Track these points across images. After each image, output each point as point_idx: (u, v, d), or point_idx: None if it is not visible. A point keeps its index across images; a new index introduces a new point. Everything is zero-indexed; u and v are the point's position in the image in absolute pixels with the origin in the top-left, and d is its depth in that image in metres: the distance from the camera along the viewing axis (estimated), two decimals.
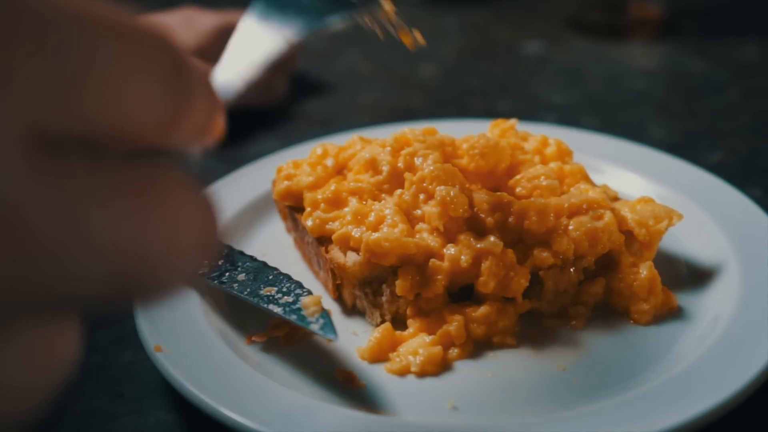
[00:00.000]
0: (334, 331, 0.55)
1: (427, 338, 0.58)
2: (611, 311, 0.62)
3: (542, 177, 0.64)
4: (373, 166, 0.66)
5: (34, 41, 0.22)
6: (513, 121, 0.73)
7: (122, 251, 0.23)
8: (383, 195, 0.64)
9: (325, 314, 0.56)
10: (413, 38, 0.56)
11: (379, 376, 0.57)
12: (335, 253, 0.62)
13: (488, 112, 0.98)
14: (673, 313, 0.61)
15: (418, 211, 0.62)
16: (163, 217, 0.25)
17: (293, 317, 0.56)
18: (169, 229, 0.25)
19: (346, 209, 0.63)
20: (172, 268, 0.25)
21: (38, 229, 0.21)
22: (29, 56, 0.22)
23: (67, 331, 0.26)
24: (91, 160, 0.23)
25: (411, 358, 0.57)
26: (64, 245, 0.22)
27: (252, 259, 0.64)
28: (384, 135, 0.71)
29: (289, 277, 0.61)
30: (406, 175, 0.64)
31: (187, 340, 0.57)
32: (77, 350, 0.26)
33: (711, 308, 0.61)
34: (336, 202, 0.64)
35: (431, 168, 0.62)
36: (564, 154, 0.70)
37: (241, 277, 0.61)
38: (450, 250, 0.59)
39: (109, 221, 0.23)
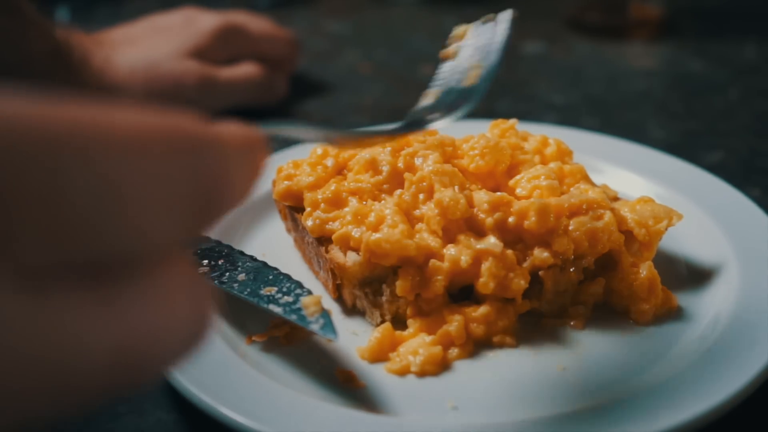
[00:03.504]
0: (334, 331, 0.55)
1: (427, 338, 0.58)
2: (611, 311, 0.62)
3: (542, 177, 0.64)
4: (373, 166, 0.66)
5: (28, 182, 0.21)
6: (513, 121, 0.73)
7: (105, 351, 0.23)
8: (383, 195, 0.64)
9: (325, 314, 0.56)
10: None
11: (379, 376, 0.57)
12: (335, 253, 0.62)
13: (488, 112, 0.98)
14: (672, 313, 0.61)
15: (418, 211, 0.62)
16: (146, 312, 0.25)
17: (293, 317, 0.56)
18: (153, 323, 0.25)
19: (346, 209, 0.63)
20: (159, 357, 0.25)
21: (17, 345, 0.22)
22: (22, 202, 0.21)
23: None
24: (72, 271, 0.23)
25: (411, 358, 0.57)
26: (45, 357, 0.22)
27: (252, 259, 0.64)
28: None
29: (289, 277, 0.61)
30: (406, 175, 0.64)
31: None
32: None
33: (711, 308, 0.61)
34: (336, 202, 0.64)
35: (431, 168, 0.63)
36: (564, 154, 0.70)
37: (241, 277, 0.62)
38: (450, 250, 0.59)
39: (88, 328, 0.23)
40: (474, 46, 0.56)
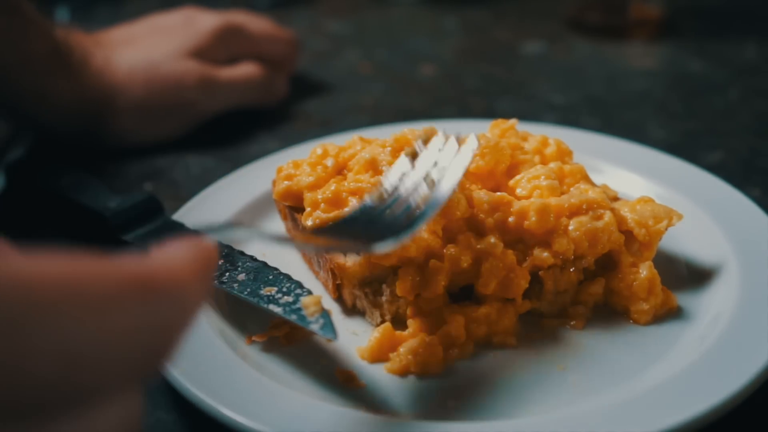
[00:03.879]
0: (334, 331, 0.55)
1: (427, 338, 0.58)
2: (611, 311, 0.62)
3: (542, 177, 0.64)
4: (373, 166, 0.66)
5: None
6: (513, 121, 0.73)
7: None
8: None
9: (325, 314, 0.56)
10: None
11: (379, 376, 0.57)
12: None
13: (488, 112, 0.98)
14: (672, 313, 0.61)
15: None
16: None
17: (293, 317, 0.56)
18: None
19: (346, 209, 0.63)
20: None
21: None
22: None
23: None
24: None
25: (411, 358, 0.57)
26: None
27: (252, 259, 0.64)
28: (384, 135, 0.71)
29: (289, 277, 0.61)
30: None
31: (186, 340, 0.56)
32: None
33: (711, 308, 0.61)
34: (336, 202, 0.64)
35: None
36: (564, 154, 0.70)
37: (241, 277, 0.61)
38: (450, 250, 0.59)
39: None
40: (434, 159, 0.58)
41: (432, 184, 0.56)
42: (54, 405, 0.27)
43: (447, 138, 0.59)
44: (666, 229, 0.63)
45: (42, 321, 0.26)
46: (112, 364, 0.28)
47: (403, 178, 0.57)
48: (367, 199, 0.56)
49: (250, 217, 0.74)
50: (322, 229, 0.58)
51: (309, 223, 0.64)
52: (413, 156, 0.59)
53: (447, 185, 0.55)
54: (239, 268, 0.63)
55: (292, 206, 0.68)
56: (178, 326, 0.32)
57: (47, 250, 0.28)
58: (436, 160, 0.58)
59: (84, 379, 0.28)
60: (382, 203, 0.56)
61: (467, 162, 0.57)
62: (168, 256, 0.31)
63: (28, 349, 0.26)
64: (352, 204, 0.62)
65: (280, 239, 0.50)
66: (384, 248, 0.51)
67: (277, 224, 0.73)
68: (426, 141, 0.60)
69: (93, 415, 0.29)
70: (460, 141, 0.59)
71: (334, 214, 0.62)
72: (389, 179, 0.58)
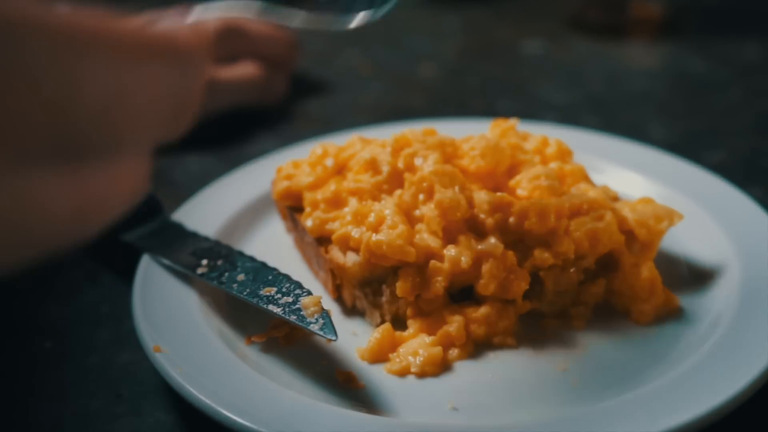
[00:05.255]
0: (333, 331, 0.55)
1: (427, 339, 0.58)
2: (612, 311, 0.62)
3: (543, 177, 0.64)
4: (373, 166, 0.65)
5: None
6: (513, 121, 0.73)
7: (66, 208, 0.31)
8: (383, 195, 0.64)
9: (324, 314, 0.56)
10: None
11: (379, 376, 0.57)
12: (335, 253, 0.62)
13: (488, 112, 0.98)
14: (674, 314, 0.61)
15: (418, 212, 0.62)
16: (99, 184, 0.32)
17: (293, 317, 0.56)
18: (104, 191, 0.33)
19: (346, 209, 0.63)
20: (106, 213, 0.34)
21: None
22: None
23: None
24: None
25: (411, 358, 0.57)
26: (11, 214, 0.29)
27: (252, 259, 0.64)
28: (384, 135, 0.71)
29: (288, 277, 0.61)
30: (406, 175, 0.64)
31: (186, 340, 0.56)
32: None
33: (712, 308, 0.61)
34: (336, 203, 0.64)
35: (431, 168, 0.62)
36: (564, 154, 0.70)
37: (241, 277, 0.61)
38: (450, 251, 0.59)
39: (53, 193, 0.30)
40: None
41: None
42: (89, 147, 0.31)
43: None
44: (667, 229, 0.63)
45: (88, 60, 0.29)
46: (144, 114, 0.32)
47: None
48: None
49: (250, 216, 0.73)
50: None
51: (309, 223, 0.64)
52: None
53: None
54: (238, 269, 0.62)
55: (292, 206, 0.68)
56: (195, 89, 0.35)
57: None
58: None
59: (120, 122, 0.31)
60: None
61: None
62: (177, 28, 0.35)
63: (77, 84, 0.29)
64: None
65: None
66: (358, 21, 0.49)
67: (277, 224, 0.73)
68: None
69: (116, 167, 0.33)
70: None
71: None
72: None
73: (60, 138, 0.29)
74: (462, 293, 0.61)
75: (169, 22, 0.36)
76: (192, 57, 0.34)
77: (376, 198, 0.64)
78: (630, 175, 0.76)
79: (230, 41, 0.96)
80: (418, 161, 0.64)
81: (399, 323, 0.61)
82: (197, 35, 0.35)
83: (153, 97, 0.32)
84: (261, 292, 0.59)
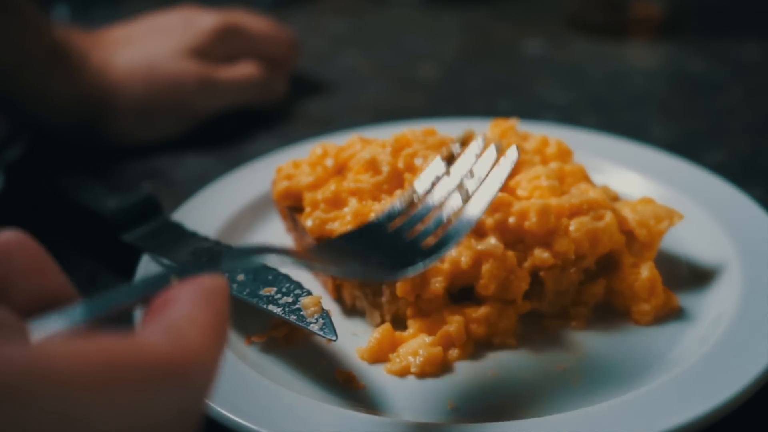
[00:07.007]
0: (333, 331, 0.55)
1: (427, 339, 0.58)
2: (612, 312, 0.62)
3: (543, 177, 0.64)
4: (373, 166, 0.65)
5: None
6: (513, 121, 0.73)
7: None
8: (383, 195, 0.64)
9: (324, 314, 0.56)
10: None
11: (379, 376, 0.57)
12: None
13: (488, 112, 0.98)
14: (674, 314, 0.61)
15: None
16: None
17: (293, 317, 0.56)
18: None
19: (346, 209, 0.63)
20: None
21: None
22: None
23: None
24: None
25: (411, 358, 0.57)
26: None
27: None
28: (384, 135, 0.71)
29: (288, 277, 0.61)
30: (406, 175, 0.64)
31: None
32: None
33: (712, 308, 0.61)
34: (336, 203, 0.64)
35: None
36: (564, 154, 0.70)
37: (241, 277, 0.61)
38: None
39: None
40: (470, 167, 0.54)
41: (466, 196, 0.52)
42: None
43: (487, 144, 0.55)
44: (667, 229, 0.63)
45: (75, 409, 0.28)
46: None
47: (436, 182, 0.54)
48: (397, 203, 0.54)
49: (250, 217, 0.73)
50: (345, 237, 0.54)
51: (309, 223, 0.64)
52: (449, 159, 0.56)
53: (482, 201, 0.52)
54: (238, 269, 0.62)
55: (292, 206, 0.68)
56: (200, 407, 0.33)
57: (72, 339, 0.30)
58: (472, 169, 0.54)
59: None
60: (412, 210, 0.53)
61: (505, 176, 0.53)
62: (186, 329, 0.32)
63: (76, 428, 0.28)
64: (383, 204, 0.61)
65: (305, 261, 0.46)
66: (411, 273, 0.49)
67: (277, 224, 0.73)
68: (464, 144, 0.56)
69: None
70: (500, 150, 0.54)
71: (359, 219, 0.60)
72: (422, 182, 0.55)
73: None
74: (462, 293, 0.61)
75: (185, 308, 0.34)
76: (198, 375, 0.32)
77: (376, 198, 0.64)
78: (630, 175, 0.76)
79: (230, 41, 0.96)
80: (418, 161, 0.64)
81: (399, 323, 0.61)
82: (212, 328, 0.33)
83: (152, 423, 0.30)
84: (261, 292, 0.59)
